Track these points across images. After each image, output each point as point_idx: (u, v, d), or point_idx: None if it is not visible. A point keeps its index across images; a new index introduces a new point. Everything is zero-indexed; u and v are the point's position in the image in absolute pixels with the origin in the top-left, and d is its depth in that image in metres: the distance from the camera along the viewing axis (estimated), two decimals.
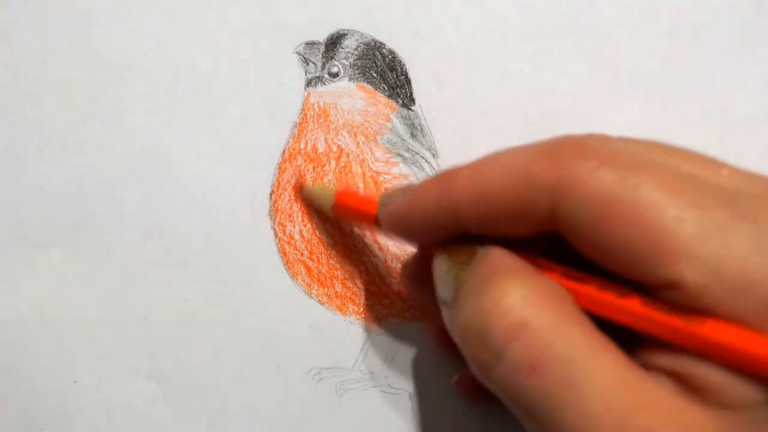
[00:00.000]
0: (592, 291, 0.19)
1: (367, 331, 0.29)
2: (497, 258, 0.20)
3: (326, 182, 0.28)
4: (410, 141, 0.29)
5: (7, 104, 0.29)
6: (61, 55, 0.29)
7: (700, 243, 0.16)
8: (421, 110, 0.29)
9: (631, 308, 0.18)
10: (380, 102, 0.29)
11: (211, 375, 0.29)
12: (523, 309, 0.18)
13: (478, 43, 0.29)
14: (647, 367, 0.18)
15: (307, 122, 0.29)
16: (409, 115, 0.29)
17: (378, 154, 0.29)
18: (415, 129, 0.29)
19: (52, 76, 0.29)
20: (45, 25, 0.29)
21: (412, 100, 0.29)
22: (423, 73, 0.29)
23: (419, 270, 0.25)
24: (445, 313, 0.21)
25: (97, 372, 0.29)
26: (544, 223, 0.19)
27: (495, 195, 0.19)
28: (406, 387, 0.29)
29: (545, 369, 0.17)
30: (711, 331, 0.17)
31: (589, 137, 0.19)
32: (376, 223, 0.24)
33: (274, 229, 0.29)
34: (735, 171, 0.19)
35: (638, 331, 0.18)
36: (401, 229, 0.23)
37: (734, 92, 0.29)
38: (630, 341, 0.19)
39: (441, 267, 0.21)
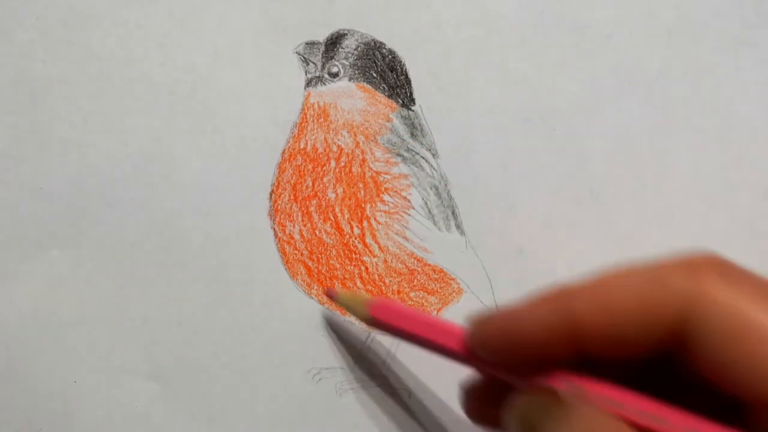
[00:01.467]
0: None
1: (368, 331, 0.29)
2: (588, 419, 0.18)
3: (356, 291, 0.28)
4: (410, 141, 0.29)
5: (7, 104, 0.29)
6: (61, 55, 0.29)
7: None
8: (421, 110, 0.29)
9: None
10: (380, 102, 0.29)
11: (211, 375, 0.29)
12: None
13: (478, 43, 0.29)
14: None
15: (307, 122, 0.29)
16: (409, 115, 0.29)
17: (378, 154, 0.29)
18: (415, 129, 0.29)
19: (52, 76, 0.29)
20: (45, 25, 0.29)
21: (412, 100, 0.29)
22: (423, 73, 0.29)
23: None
24: None
25: (97, 372, 0.29)
26: (669, 337, 0.18)
27: (624, 303, 0.18)
28: (406, 387, 0.29)
29: None
30: None
31: (729, 260, 0.18)
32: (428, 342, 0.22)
33: (274, 229, 0.29)
34: None
35: None
36: (501, 351, 0.20)
37: (734, 92, 0.29)
38: None
39: (518, 416, 0.19)
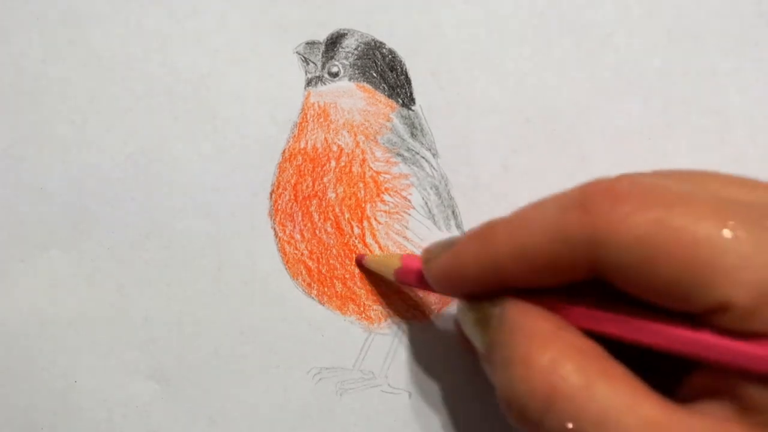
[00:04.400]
0: (639, 322, 0.19)
1: (367, 331, 0.29)
2: (516, 316, 0.20)
3: (386, 252, 0.29)
4: (410, 141, 0.29)
5: (7, 104, 0.29)
6: (61, 55, 0.29)
7: (745, 265, 0.16)
8: (421, 110, 0.29)
9: (685, 335, 0.18)
10: (380, 102, 0.29)
11: (211, 375, 0.29)
12: (550, 377, 0.18)
13: (478, 43, 0.29)
14: (695, 392, 0.18)
15: (307, 122, 0.29)
16: (409, 115, 0.29)
17: (378, 153, 0.29)
18: (415, 129, 0.29)
19: (52, 76, 0.29)
20: (45, 25, 0.29)
21: (412, 100, 0.29)
22: (423, 72, 0.29)
23: None
24: (483, 365, 0.22)
25: (97, 372, 0.29)
26: (585, 272, 0.19)
27: (532, 252, 0.19)
28: (406, 387, 0.29)
29: None
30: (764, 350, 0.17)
31: (619, 179, 0.19)
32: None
33: (274, 229, 0.29)
34: None
35: (689, 358, 0.18)
36: (448, 287, 0.23)
37: (734, 92, 0.29)
38: (673, 370, 0.19)
39: (467, 323, 0.22)
